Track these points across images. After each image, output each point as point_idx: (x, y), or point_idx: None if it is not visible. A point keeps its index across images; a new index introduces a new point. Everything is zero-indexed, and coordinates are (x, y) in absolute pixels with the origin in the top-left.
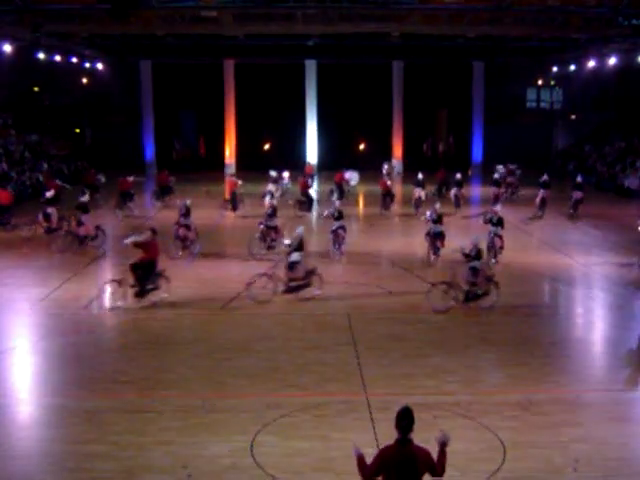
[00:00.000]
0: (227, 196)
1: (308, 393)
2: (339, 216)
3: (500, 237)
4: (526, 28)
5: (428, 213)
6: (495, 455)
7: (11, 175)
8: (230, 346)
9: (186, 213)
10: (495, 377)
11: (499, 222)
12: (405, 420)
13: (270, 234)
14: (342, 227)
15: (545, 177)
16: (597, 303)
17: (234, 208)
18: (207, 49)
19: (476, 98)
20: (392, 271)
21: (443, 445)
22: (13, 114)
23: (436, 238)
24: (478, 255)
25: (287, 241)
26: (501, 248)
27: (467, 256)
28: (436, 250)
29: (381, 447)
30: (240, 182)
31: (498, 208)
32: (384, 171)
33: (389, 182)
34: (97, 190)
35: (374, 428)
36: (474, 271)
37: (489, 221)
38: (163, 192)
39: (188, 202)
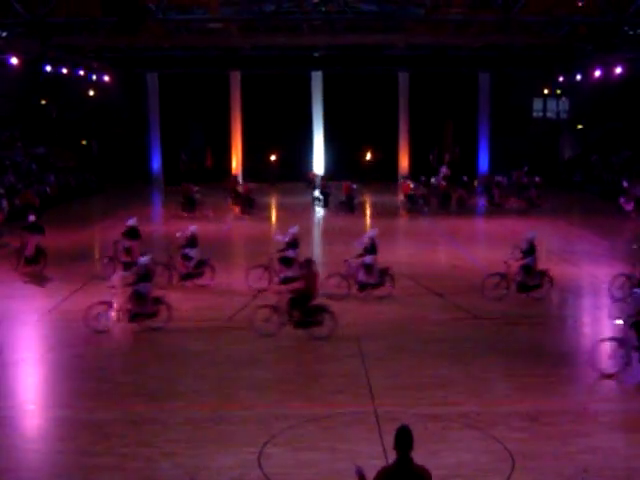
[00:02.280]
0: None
1: (316, 404)
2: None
3: None
4: (532, 38)
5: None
6: (503, 466)
7: (18, 187)
8: (237, 357)
9: (190, 243)
10: (503, 388)
11: None
12: (404, 439)
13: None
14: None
15: None
16: (605, 313)
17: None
18: (213, 61)
19: (482, 108)
20: (400, 281)
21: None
22: (20, 126)
23: None
24: (531, 250)
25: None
26: None
27: (522, 252)
28: None
29: (380, 468)
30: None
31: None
32: (441, 174)
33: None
34: (194, 204)
35: (382, 439)
36: (526, 269)
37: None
38: (189, 204)
39: (193, 228)
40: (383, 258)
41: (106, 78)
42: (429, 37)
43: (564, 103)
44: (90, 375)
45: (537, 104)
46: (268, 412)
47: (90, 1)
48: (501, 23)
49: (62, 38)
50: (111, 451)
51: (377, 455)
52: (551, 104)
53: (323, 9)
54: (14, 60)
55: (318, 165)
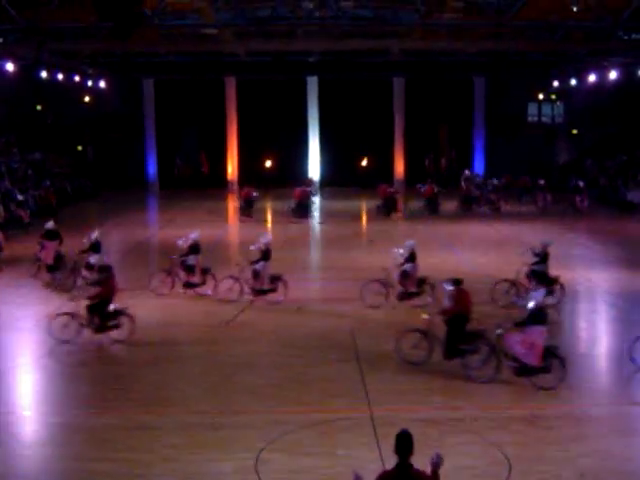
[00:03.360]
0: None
1: (313, 409)
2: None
3: None
4: (526, 43)
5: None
6: (501, 470)
7: (14, 195)
8: (235, 362)
9: (193, 250)
10: (500, 392)
11: None
12: (405, 444)
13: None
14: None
15: None
16: (601, 317)
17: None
18: (209, 66)
19: (477, 113)
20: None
21: (436, 466)
22: (16, 132)
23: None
24: (544, 258)
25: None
26: None
27: (536, 255)
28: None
29: (379, 473)
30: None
31: None
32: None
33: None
34: (251, 205)
35: (379, 444)
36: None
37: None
38: (248, 206)
39: (193, 235)
40: (380, 262)
41: (102, 84)
42: (424, 42)
43: (559, 108)
44: (86, 381)
45: (532, 109)
46: (265, 418)
47: (85, 7)
48: (496, 28)
49: (57, 44)
50: (107, 457)
51: (374, 460)
52: (546, 109)
53: (318, 14)
54: (9, 66)
55: (313, 170)
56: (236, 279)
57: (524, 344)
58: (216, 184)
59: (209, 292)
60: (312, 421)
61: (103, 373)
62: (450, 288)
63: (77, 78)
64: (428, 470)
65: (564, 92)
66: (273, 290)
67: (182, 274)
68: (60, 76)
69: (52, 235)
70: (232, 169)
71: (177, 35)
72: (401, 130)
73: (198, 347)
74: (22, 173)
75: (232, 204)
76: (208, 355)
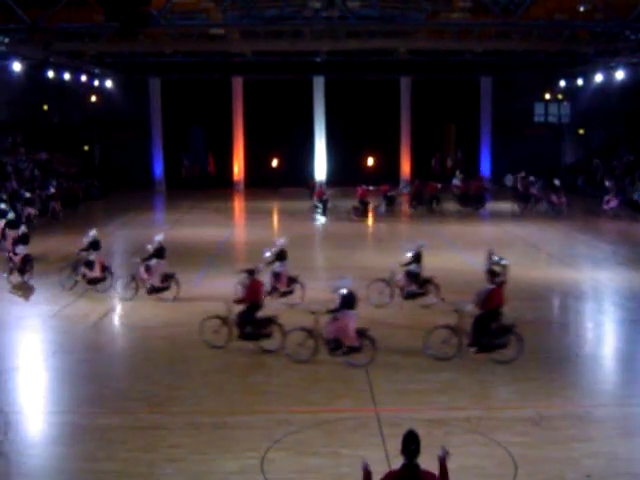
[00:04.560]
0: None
1: (318, 409)
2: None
3: None
4: (533, 43)
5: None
6: (506, 471)
7: (21, 193)
8: (241, 362)
9: (157, 253)
10: (506, 392)
11: None
12: (412, 445)
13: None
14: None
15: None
16: (607, 317)
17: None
18: (215, 66)
19: (484, 113)
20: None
21: (443, 460)
22: (23, 132)
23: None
24: (418, 259)
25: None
26: None
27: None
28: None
29: (386, 473)
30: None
31: None
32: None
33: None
34: (325, 205)
35: (384, 444)
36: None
37: None
38: (323, 206)
39: (158, 238)
40: (384, 262)
41: (108, 83)
42: (431, 42)
43: (566, 107)
44: (92, 380)
45: (539, 108)
46: (271, 417)
47: (92, 7)
48: (503, 28)
49: (64, 43)
50: (114, 456)
51: (380, 460)
52: (553, 108)
53: (324, 14)
54: (16, 65)
55: (320, 170)
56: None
57: (339, 327)
58: (223, 184)
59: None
60: (318, 421)
61: (109, 373)
62: (245, 278)
63: (84, 78)
64: (434, 470)
65: (571, 92)
66: (290, 292)
67: (147, 277)
68: (67, 76)
69: (23, 239)
70: (238, 169)
71: (184, 35)
72: (407, 130)
73: (204, 347)
74: (29, 173)
75: (271, 204)
76: (214, 355)
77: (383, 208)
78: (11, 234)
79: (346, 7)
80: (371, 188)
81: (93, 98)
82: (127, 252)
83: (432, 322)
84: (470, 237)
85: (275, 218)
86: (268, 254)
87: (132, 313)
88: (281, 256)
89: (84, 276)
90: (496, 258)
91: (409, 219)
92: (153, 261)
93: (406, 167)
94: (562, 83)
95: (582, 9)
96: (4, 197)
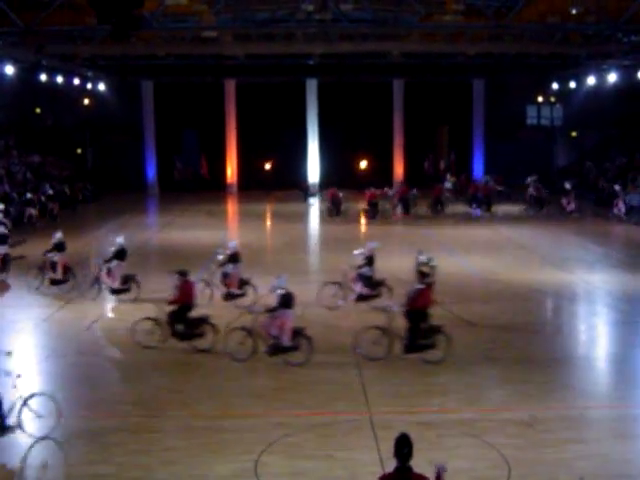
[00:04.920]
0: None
1: (313, 412)
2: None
3: None
4: (526, 45)
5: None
6: (500, 473)
7: (12, 196)
8: (235, 365)
9: (118, 255)
10: (499, 395)
11: None
12: (405, 448)
13: None
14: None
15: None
16: (600, 320)
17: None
18: (208, 69)
19: (476, 115)
20: (395, 289)
21: (439, 475)
22: (15, 135)
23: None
24: (371, 261)
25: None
26: None
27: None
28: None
29: (380, 476)
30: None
31: None
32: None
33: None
34: (338, 206)
35: (378, 447)
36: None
37: None
38: (335, 207)
39: (119, 240)
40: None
41: (101, 86)
42: (423, 45)
43: (558, 110)
44: (86, 384)
45: (531, 111)
46: (265, 420)
47: (84, 9)
48: (495, 30)
49: (56, 46)
50: (108, 460)
51: (374, 462)
52: (545, 111)
53: (317, 17)
54: (9, 68)
55: (313, 173)
56: (207, 284)
57: (276, 326)
58: (216, 187)
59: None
60: (312, 424)
61: (104, 376)
62: (177, 279)
63: (76, 81)
64: (428, 474)
65: (563, 94)
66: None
67: (107, 280)
68: (59, 79)
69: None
70: (231, 172)
71: (176, 38)
72: (400, 132)
73: (198, 351)
74: (21, 176)
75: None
76: (209, 358)
77: (400, 210)
78: None
79: (339, 10)
80: (381, 191)
81: (86, 101)
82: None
83: None
84: (464, 240)
85: (268, 221)
86: (221, 256)
87: (125, 316)
88: (234, 258)
89: (48, 277)
90: (424, 258)
91: (419, 221)
92: (114, 263)
93: (399, 169)
94: (554, 86)
95: (574, 12)
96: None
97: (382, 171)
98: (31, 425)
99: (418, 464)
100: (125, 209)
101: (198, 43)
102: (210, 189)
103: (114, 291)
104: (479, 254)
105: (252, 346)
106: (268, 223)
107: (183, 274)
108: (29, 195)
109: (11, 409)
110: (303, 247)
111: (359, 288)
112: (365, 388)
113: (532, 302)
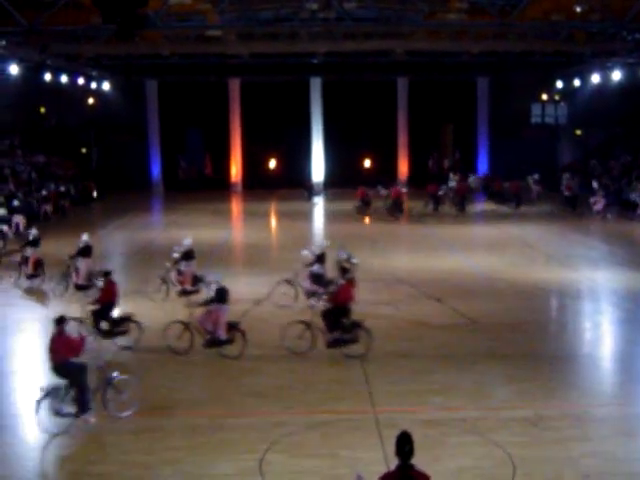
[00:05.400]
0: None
1: (316, 411)
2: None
3: None
4: (530, 43)
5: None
6: (505, 471)
7: (18, 195)
8: (238, 365)
9: (82, 252)
10: (503, 393)
11: None
12: (406, 446)
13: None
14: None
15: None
16: (605, 318)
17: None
18: (212, 68)
19: (481, 113)
20: (399, 287)
21: None
22: (20, 135)
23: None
24: (321, 260)
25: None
26: None
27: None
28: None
29: (382, 474)
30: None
31: None
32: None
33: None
34: (368, 204)
35: (382, 445)
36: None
37: None
38: (365, 206)
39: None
40: (382, 264)
41: (105, 86)
42: (427, 43)
43: (562, 108)
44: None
45: (536, 109)
46: (268, 419)
47: (89, 9)
48: (499, 28)
49: (60, 46)
50: (111, 459)
51: (378, 461)
52: (550, 109)
53: (321, 16)
54: (13, 68)
55: (317, 171)
56: (163, 281)
57: (211, 320)
58: (220, 186)
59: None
60: (315, 422)
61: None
62: (101, 280)
63: (81, 80)
64: (429, 472)
65: (568, 93)
66: (196, 291)
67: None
68: (64, 78)
69: (35, 243)
70: (236, 171)
71: (181, 37)
72: (405, 131)
73: (200, 350)
74: (26, 176)
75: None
76: (212, 358)
77: (431, 206)
78: None
79: (343, 8)
80: (404, 189)
81: (90, 100)
82: (122, 254)
83: (426, 323)
84: (467, 238)
85: (273, 219)
86: (176, 254)
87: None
88: (188, 255)
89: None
90: (344, 255)
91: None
92: (79, 260)
93: (403, 168)
94: (559, 84)
95: (579, 10)
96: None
97: (386, 169)
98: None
99: (422, 461)
100: (129, 208)
101: (202, 42)
102: (214, 188)
103: (79, 287)
104: (483, 252)
105: (190, 339)
106: (272, 222)
107: (107, 274)
108: (45, 192)
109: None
110: (307, 245)
111: (308, 285)
112: (369, 386)
113: (536, 300)
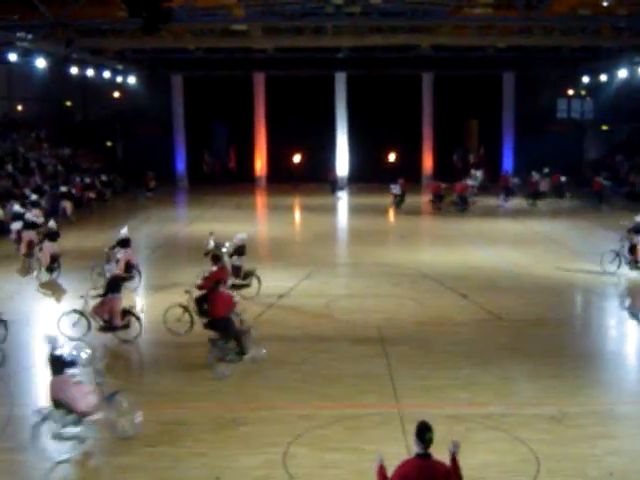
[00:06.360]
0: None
1: (340, 405)
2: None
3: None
4: (556, 38)
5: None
6: (528, 468)
7: (44, 189)
8: (263, 358)
9: (49, 236)
10: (528, 389)
11: None
12: (428, 434)
13: None
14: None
15: None
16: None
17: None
18: (237, 62)
19: (506, 108)
20: (424, 282)
21: (454, 454)
22: (46, 128)
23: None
24: (239, 252)
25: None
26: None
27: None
28: None
29: (401, 461)
30: (444, 185)
31: None
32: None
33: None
34: (441, 199)
35: (406, 440)
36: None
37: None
38: (438, 200)
39: (52, 224)
40: (408, 259)
41: (131, 80)
42: (453, 38)
43: (589, 103)
44: (115, 376)
45: (561, 104)
46: (293, 412)
47: (114, 3)
48: (525, 23)
49: (86, 40)
50: (137, 451)
51: (401, 456)
52: (576, 104)
53: (347, 10)
54: (40, 62)
55: (342, 166)
56: None
57: (106, 311)
58: (244, 180)
59: None
60: (340, 416)
61: (131, 369)
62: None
63: (106, 74)
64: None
65: (594, 88)
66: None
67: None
68: (89, 72)
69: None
70: (260, 165)
71: (206, 31)
72: (429, 126)
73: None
74: (52, 168)
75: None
76: None
77: (505, 200)
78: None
79: (368, 3)
80: (470, 183)
81: (116, 94)
82: (148, 247)
83: (451, 318)
84: (492, 234)
85: (296, 213)
86: (226, 249)
87: (153, 308)
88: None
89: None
90: (212, 244)
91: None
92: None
93: (428, 163)
94: (585, 79)
95: (605, 4)
96: (28, 193)
97: (411, 164)
98: None
99: (446, 457)
100: (154, 201)
101: (227, 36)
102: (239, 182)
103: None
104: (508, 247)
105: (86, 326)
106: (296, 216)
107: (217, 260)
108: (63, 188)
109: None
110: (331, 239)
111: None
112: (393, 381)
113: (562, 296)
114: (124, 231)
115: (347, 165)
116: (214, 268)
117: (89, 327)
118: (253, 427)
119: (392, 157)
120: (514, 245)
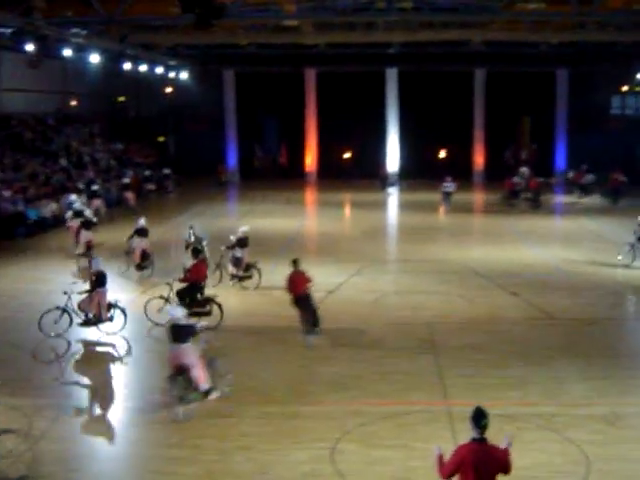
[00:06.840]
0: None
1: (389, 402)
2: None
3: None
4: (611, 34)
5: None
6: (579, 469)
7: (97, 183)
8: (311, 354)
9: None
10: (580, 389)
11: None
12: (483, 420)
13: None
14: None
15: None
16: None
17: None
18: (289, 58)
19: (560, 105)
20: (474, 280)
21: (508, 444)
22: (99, 123)
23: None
24: (241, 244)
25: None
26: None
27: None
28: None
29: (458, 446)
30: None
31: None
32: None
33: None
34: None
35: (455, 439)
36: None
37: None
38: (512, 197)
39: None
40: (458, 256)
41: (183, 75)
42: (506, 33)
43: None
44: (162, 369)
45: (616, 101)
46: (341, 409)
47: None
48: (579, 18)
49: (139, 36)
50: (185, 443)
51: (450, 453)
52: (630, 101)
53: (398, 6)
54: (93, 57)
55: (392, 162)
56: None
57: (93, 305)
58: (295, 175)
59: None
60: (389, 413)
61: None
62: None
63: (159, 70)
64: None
65: None
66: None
67: (231, 268)
68: (142, 68)
69: (142, 232)
70: (311, 160)
71: (257, 27)
72: (481, 122)
73: (277, 338)
74: (105, 163)
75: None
76: (286, 346)
77: (580, 197)
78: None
79: None
80: (516, 180)
81: (168, 89)
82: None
83: (502, 316)
84: (543, 231)
85: (346, 209)
86: (232, 240)
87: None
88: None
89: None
90: (192, 238)
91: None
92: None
93: (479, 160)
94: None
95: None
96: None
97: (462, 161)
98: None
99: None
100: (206, 197)
101: (279, 32)
102: (289, 177)
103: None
104: (559, 245)
105: (69, 322)
106: (346, 211)
107: (198, 253)
108: (95, 187)
109: None
110: (380, 236)
111: (230, 269)
112: (442, 378)
113: (614, 295)
114: (142, 221)
115: (397, 161)
116: (194, 261)
117: (70, 323)
118: (301, 422)
119: (443, 154)
120: (565, 243)
